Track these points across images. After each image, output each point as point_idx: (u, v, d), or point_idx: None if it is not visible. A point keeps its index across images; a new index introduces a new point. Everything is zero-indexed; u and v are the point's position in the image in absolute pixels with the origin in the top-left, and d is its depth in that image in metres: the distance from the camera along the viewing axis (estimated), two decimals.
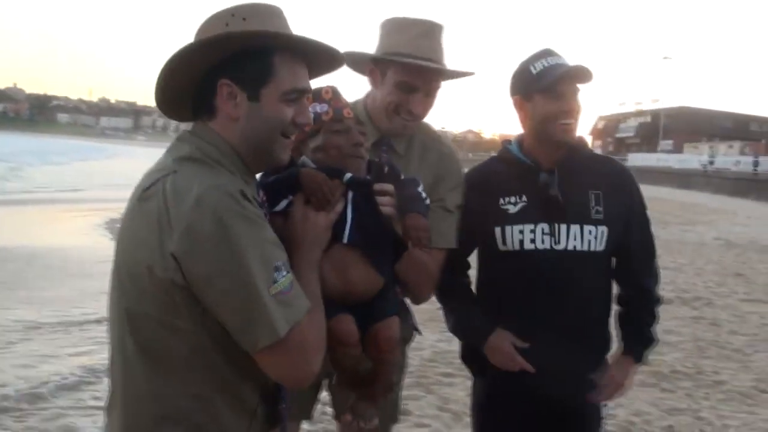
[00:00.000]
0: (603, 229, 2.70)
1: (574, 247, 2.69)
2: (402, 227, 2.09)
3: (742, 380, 6.62)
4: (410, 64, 2.51)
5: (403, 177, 2.21)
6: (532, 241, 2.69)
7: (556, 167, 2.72)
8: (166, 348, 1.71)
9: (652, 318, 2.89)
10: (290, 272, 1.72)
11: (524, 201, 2.72)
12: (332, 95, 2.11)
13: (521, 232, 2.70)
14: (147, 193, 1.72)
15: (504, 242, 2.72)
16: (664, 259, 13.44)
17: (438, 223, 2.56)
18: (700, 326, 8.58)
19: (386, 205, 2.11)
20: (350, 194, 2.02)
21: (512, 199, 2.73)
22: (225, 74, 1.79)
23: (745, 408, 5.97)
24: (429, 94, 2.61)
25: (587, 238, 2.69)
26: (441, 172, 2.72)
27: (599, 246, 2.70)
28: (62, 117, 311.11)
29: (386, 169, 2.20)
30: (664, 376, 6.65)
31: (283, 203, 1.98)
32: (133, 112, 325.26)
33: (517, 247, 2.70)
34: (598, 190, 2.73)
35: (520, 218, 2.71)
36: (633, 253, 2.84)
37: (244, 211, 1.67)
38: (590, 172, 2.77)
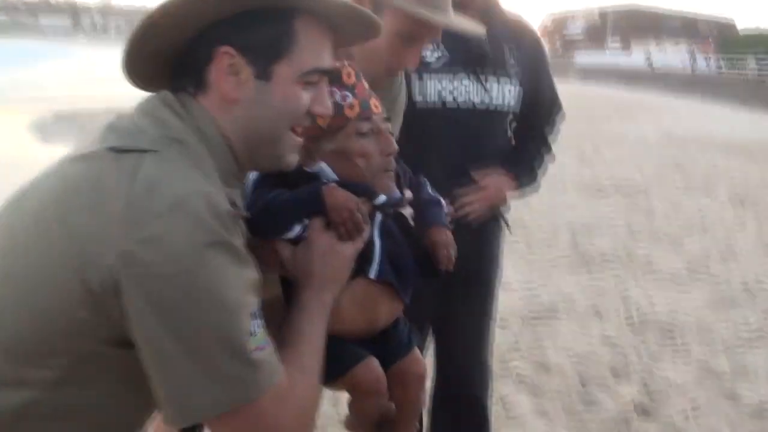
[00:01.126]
0: (518, 86, 2.63)
1: (494, 102, 2.59)
2: (427, 244, 1.67)
3: (673, 264, 6.47)
4: (423, 18, 1.95)
5: (409, 174, 1.77)
6: (452, 92, 2.55)
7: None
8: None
9: (541, 160, 2.87)
10: (263, 320, 1.28)
11: (445, 54, 2.54)
12: (356, 79, 1.61)
13: (440, 82, 2.53)
14: (120, 155, 1.25)
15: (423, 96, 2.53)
16: (603, 151, 13.31)
17: None
18: (634, 214, 8.42)
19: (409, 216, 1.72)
20: (378, 217, 1.60)
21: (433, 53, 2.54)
22: (227, 39, 1.34)
23: (674, 289, 5.81)
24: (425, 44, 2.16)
25: (506, 94, 2.61)
26: None
27: (513, 102, 2.64)
28: None
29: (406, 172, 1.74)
30: (593, 259, 6.46)
31: (297, 229, 1.52)
32: (72, 10, 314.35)
33: (435, 99, 2.54)
34: (512, 46, 2.64)
35: (440, 70, 2.54)
36: (539, 107, 2.80)
37: (231, 239, 1.23)
38: (505, 28, 2.64)
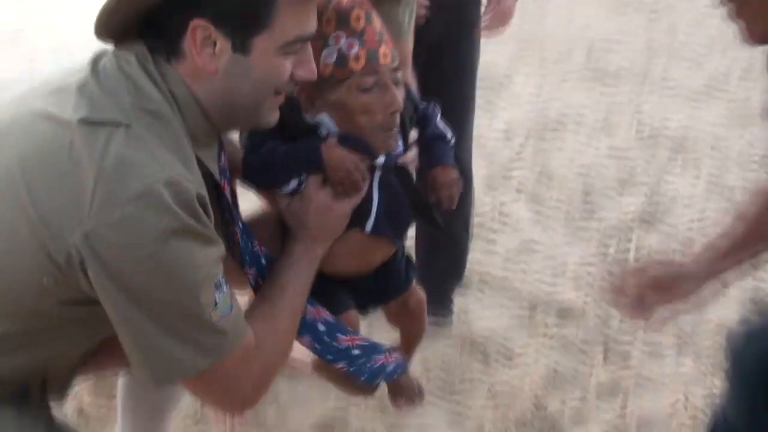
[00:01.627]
0: None
1: None
2: (431, 183, 1.64)
3: (691, 81, 6.16)
4: None
5: (421, 106, 1.68)
6: None
7: None
8: None
9: None
10: (227, 285, 1.33)
11: None
12: (365, 24, 1.45)
13: None
14: (92, 128, 1.22)
15: None
16: None
17: None
18: (656, 31, 8.00)
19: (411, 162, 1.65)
20: (377, 173, 1.56)
21: None
22: (201, 8, 1.26)
23: (690, 105, 5.55)
24: None
25: None
26: None
27: None
28: None
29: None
30: (608, 74, 6.16)
31: (293, 183, 1.53)
32: None
33: None
34: None
35: None
36: None
37: (196, 224, 1.24)
38: None
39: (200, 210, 1.24)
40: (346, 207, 1.53)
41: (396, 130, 1.55)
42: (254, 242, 1.55)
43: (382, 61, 1.46)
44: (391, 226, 1.61)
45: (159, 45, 1.31)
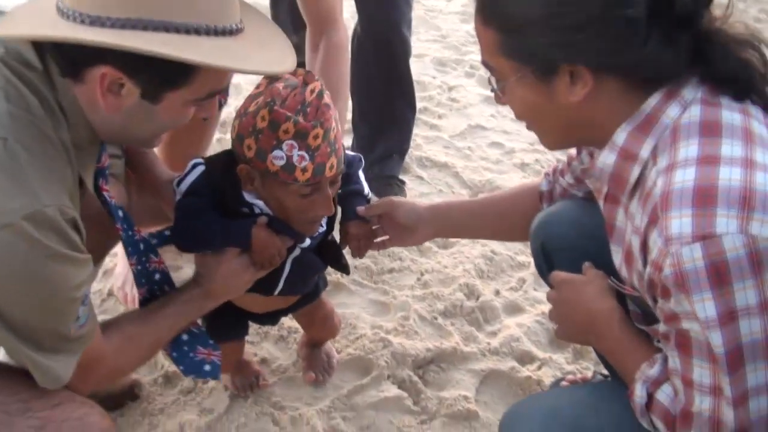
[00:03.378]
0: None
1: None
2: (343, 234, 1.71)
3: None
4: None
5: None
6: None
7: None
8: None
9: None
10: (88, 296, 1.33)
11: None
12: (321, 141, 1.42)
13: None
14: None
15: None
16: None
17: None
18: None
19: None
20: (296, 251, 1.62)
21: None
22: (116, 59, 1.17)
23: None
24: None
25: None
26: None
27: None
28: None
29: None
30: None
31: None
32: None
33: None
34: None
35: None
36: None
37: (62, 248, 1.19)
38: None
39: (72, 234, 1.21)
40: (255, 276, 1.56)
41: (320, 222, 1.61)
42: (134, 230, 1.51)
43: (327, 173, 1.45)
44: (298, 287, 1.72)
45: (60, 59, 1.22)
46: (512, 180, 2.87)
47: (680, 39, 1.13)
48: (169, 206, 1.60)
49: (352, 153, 1.69)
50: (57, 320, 1.25)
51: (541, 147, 3.06)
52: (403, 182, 2.77)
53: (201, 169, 1.54)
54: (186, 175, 1.54)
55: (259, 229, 1.52)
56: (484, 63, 1.25)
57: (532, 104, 1.22)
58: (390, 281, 2.32)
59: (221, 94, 1.39)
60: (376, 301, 2.24)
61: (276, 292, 1.66)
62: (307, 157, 1.41)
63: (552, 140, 1.31)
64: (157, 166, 1.74)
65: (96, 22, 1.16)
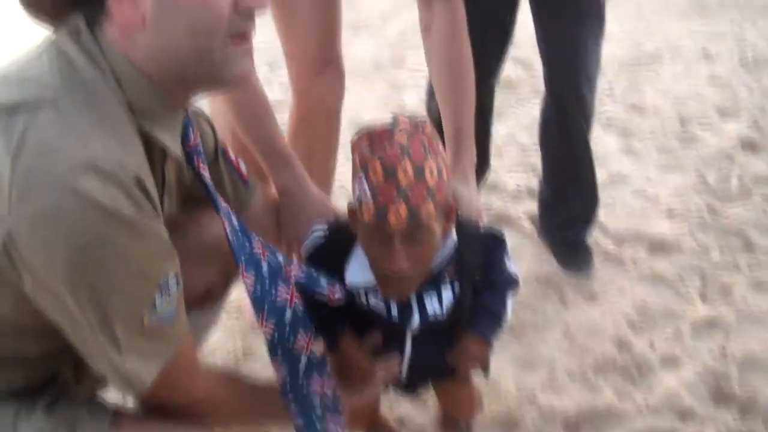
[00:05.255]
0: None
1: None
2: (458, 345, 1.44)
3: None
4: None
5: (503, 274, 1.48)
6: None
7: None
8: None
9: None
10: (179, 287, 1.13)
11: None
12: (383, 179, 1.23)
13: None
14: (10, 116, 1.01)
15: None
16: None
17: None
18: None
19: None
20: (408, 334, 1.45)
21: None
22: None
23: None
24: None
25: None
26: None
27: None
28: None
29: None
30: (708, 5, 5.56)
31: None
32: None
33: None
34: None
35: None
36: None
37: (127, 211, 1.01)
38: None
39: (137, 194, 1.03)
40: (369, 396, 1.47)
41: (407, 285, 1.38)
42: (252, 240, 1.31)
43: (392, 221, 1.24)
44: (420, 381, 1.56)
45: (89, 13, 1.10)
46: (660, 227, 2.66)
47: None
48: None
49: (492, 230, 1.49)
50: (125, 301, 1.06)
51: (686, 191, 2.87)
52: (590, 249, 2.51)
53: (318, 237, 1.45)
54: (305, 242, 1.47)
55: (342, 341, 1.42)
56: None
57: None
58: (533, 335, 2.15)
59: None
60: (519, 356, 2.08)
61: (402, 383, 1.51)
62: (368, 193, 1.24)
63: None
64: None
65: None
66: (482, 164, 2.55)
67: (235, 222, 1.30)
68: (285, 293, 1.32)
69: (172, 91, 1.14)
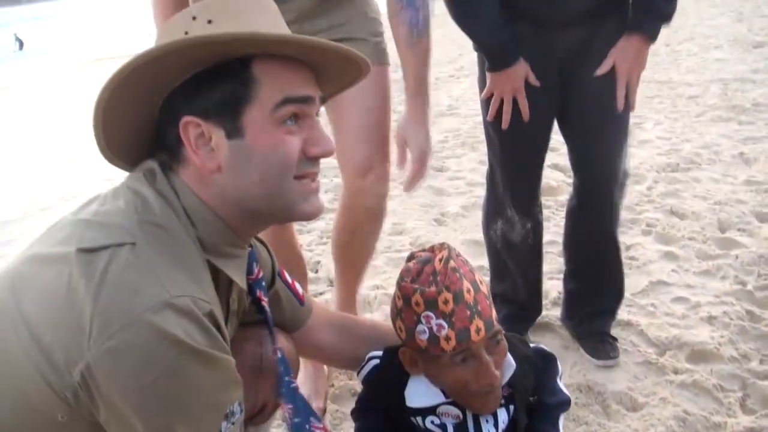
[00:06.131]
0: None
1: None
2: None
3: None
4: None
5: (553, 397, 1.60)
6: None
7: None
8: None
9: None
10: (242, 413, 1.21)
11: None
12: (453, 305, 1.38)
13: None
14: (91, 256, 1.11)
15: None
16: (764, 9, 11.82)
17: None
18: None
19: None
20: None
21: None
22: (187, 108, 1.19)
23: None
24: None
25: None
26: None
27: None
28: None
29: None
30: (744, 109, 5.65)
31: None
32: None
33: None
34: None
35: None
36: None
37: (200, 345, 1.09)
38: None
39: (210, 328, 1.11)
40: None
41: (496, 393, 1.46)
42: (291, 375, 1.43)
43: (474, 337, 1.38)
44: None
45: (165, 159, 1.24)
46: (701, 335, 2.68)
47: None
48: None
49: (542, 350, 1.60)
50: (195, 429, 1.12)
51: (727, 299, 2.89)
52: (615, 339, 2.63)
53: (375, 363, 1.54)
54: (362, 366, 1.55)
55: None
56: None
57: None
58: None
59: (303, 104, 1.24)
60: None
61: None
62: (445, 324, 1.37)
63: None
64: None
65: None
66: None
67: (279, 348, 1.41)
68: (318, 427, 1.41)
69: (239, 228, 1.25)
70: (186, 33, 1.17)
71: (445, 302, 1.37)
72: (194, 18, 1.19)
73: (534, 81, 2.29)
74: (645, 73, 2.43)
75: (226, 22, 1.17)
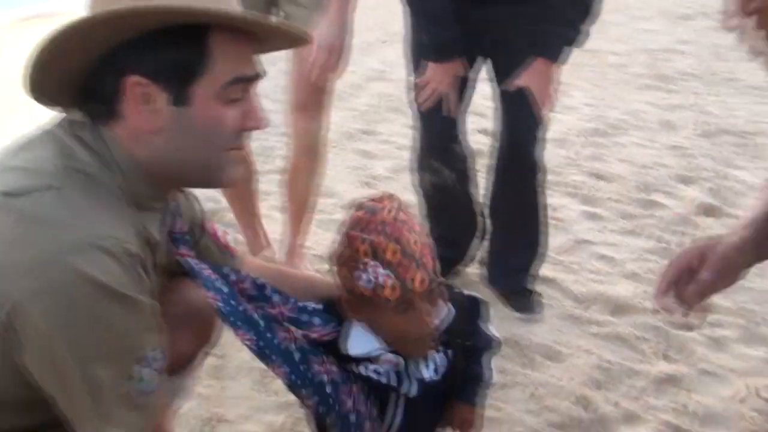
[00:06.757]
0: None
1: None
2: (448, 413, 1.60)
3: (759, 77, 5.71)
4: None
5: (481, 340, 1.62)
6: None
7: None
8: None
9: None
10: (163, 360, 1.21)
11: None
12: (401, 257, 1.39)
13: None
14: (13, 199, 1.12)
15: None
16: None
17: None
18: (721, 34, 7.55)
19: None
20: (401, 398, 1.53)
21: None
22: (135, 66, 1.17)
23: (757, 101, 5.13)
24: None
25: None
26: None
27: None
28: None
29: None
30: (670, 78, 5.77)
31: None
32: None
33: None
34: None
35: None
36: None
37: (121, 288, 1.12)
38: None
39: (133, 270, 1.14)
40: None
41: (430, 342, 1.51)
42: (237, 299, 1.41)
43: (417, 288, 1.40)
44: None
45: (95, 107, 1.22)
46: (622, 290, 2.74)
47: None
48: None
49: (473, 295, 1.63)
50: (106, 369, 1.13)
51: (651, 257, 2.96)
52: (538, 294, 2.69)
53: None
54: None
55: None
56: None
57: None
58: (501, 396, 2.19)
59: (250, 82, 1.26)
60: (487, 417, 2.12)
61: None
62: (392, 275, 1.38)
63: None
64: None
65: None
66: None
67: (225, 289, 1.39)
68: (284, 334, 1.43)
69: (162, 186, 1.28)
70: None
71: (394, 253, 1.38)
72: None
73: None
74: None
75: None
